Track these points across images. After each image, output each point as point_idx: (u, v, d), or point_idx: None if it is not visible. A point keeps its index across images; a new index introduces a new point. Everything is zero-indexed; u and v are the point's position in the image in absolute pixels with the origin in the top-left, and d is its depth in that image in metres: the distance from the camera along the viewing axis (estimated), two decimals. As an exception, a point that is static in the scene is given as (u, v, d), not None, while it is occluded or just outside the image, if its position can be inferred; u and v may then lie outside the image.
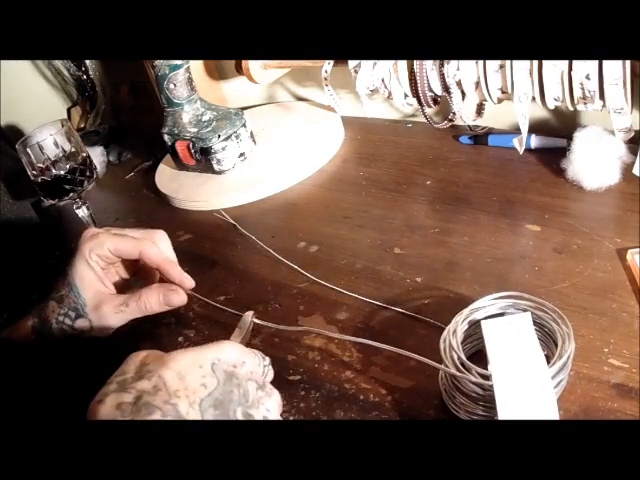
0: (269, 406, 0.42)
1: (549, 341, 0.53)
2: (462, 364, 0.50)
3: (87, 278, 0.60)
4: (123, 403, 0.37)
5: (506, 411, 0.46)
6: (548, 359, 0.52)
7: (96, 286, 0.60)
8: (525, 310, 0.55)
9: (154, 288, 0.60)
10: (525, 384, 0.47)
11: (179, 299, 0.60)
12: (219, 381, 0.40)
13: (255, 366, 0.44)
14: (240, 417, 0.40)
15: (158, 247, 0.60)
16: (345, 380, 0.59)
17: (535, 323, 0.54)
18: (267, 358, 0.46)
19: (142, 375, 0.39)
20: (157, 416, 0.37)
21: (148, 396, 0.38)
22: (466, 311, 0.55)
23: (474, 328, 0.56)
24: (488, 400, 0.48)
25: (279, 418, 0.43)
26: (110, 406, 0.37)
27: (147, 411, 0.37)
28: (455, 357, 0.51)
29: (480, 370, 0.49)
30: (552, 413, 0.46)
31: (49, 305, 0.61)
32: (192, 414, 0.38)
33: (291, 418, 0.56)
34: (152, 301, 0.59)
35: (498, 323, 0.53)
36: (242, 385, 0.41)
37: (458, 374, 0.49)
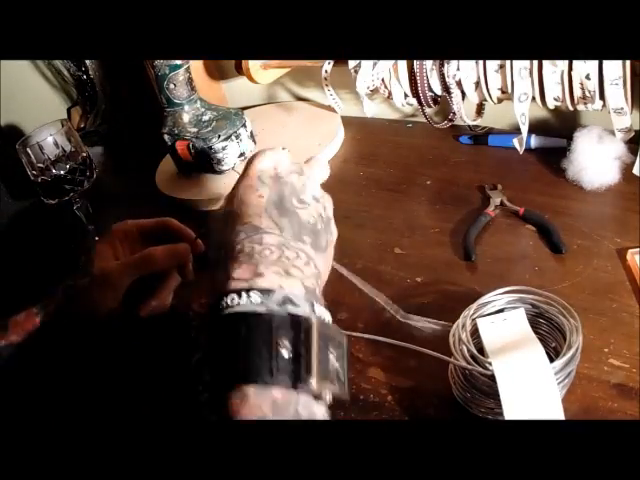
0: (310, 185, 0.48)
1: (557, 334, 0.53)
2: (472, 357, 0.51)
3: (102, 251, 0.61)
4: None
5: (510, 407, 0.47)
6: (557, 351, 0.52)
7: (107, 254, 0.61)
8: (532, 305, 0.55)
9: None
10: (527, 378, 0.48)
11: (184, 246, 0.62)
12: (269, 186, 0.46)
13: (288, 160, 0.49)
14: (298, 205, 0.45)
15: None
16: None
17: (543, 317, 0.54)
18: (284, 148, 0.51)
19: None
20: (242, 236, 0.42)
21: (230, 227, 0.44)
22: (474, 306, 0.55)
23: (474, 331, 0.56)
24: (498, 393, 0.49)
25: (321, 192, 0.48)
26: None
27: (234, 238, 0.42)
28: (465, 350, 0.51)
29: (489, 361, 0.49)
30: (556, 407, 0.47)
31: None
32: (265, 221, 0.43)
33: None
34: (157, 250, 0.60)
35: (494, 320, 0.53)
36: (287, 181, 0.47)
37: (469, 366, 0.50)
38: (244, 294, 0.38)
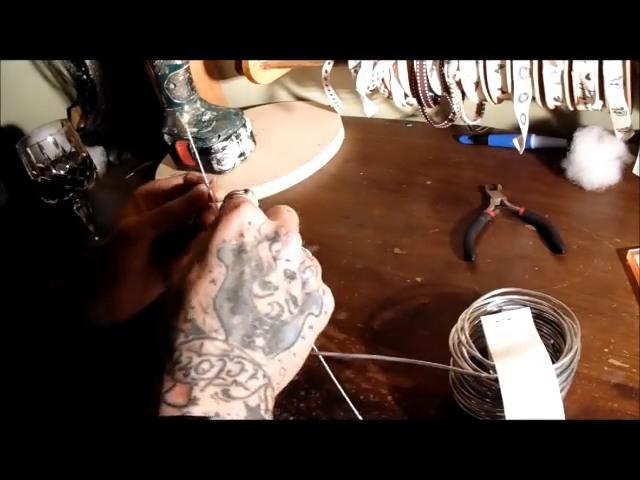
0: (287, 254, 0.39)
1: (556, 335, 0.53)
2: (473, 359, 0.50)
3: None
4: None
5: (512, 406, 0.47)
6: (555, 350, 0.52)
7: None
8: (526, 305, 0.55)
9: None
10: (529, 380, 0.47)
11: (198, 189, 0.55)
12: (227, 267, 0.38)
13: (259, 218, 0.40)
14: (259, 292, 0.38)
15: None
16: (345, 380, 0.59)
17: (541, 317, 0.54)
18: (250, 189, 0.44)
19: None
20: (181, 339, 0.36)
21: (173, 321, 0.37)
22: (471, 309, 0.55)
23: (480, 325, 0.56)
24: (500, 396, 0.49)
25: (301, 260, 0.40)
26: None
27: (173, 338, 0.36)
28: (465, 353, 0.51)
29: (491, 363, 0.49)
30: (557, 408, 0.47)
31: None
32: (209, 321, 0.36)
33: (291, 418, 0.56)
34: (174, 201, 0.55)
35: (498, 319, 0.53)
36: (253, 255, 0.38)
37: (473, 373, 0.50)
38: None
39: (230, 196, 0.43)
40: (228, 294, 0.37)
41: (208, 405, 0.35)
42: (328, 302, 0.41)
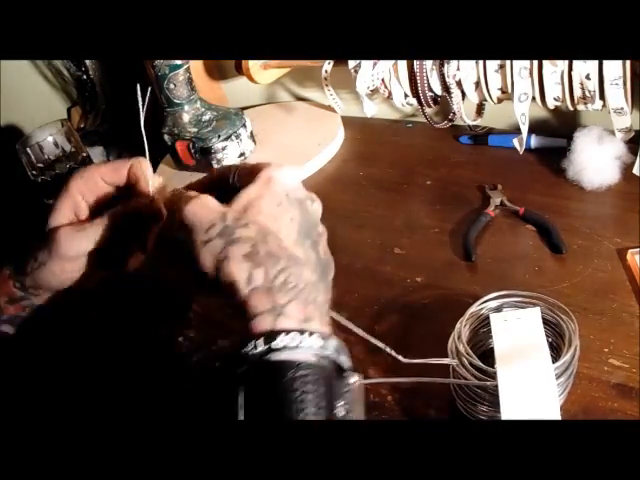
0: (319, 214, 0.44)
1: (555, 335, 0.53)
2: (472, 365, 0.50)
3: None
4: (249, 253, 0.38)
5: (509, 408, 0.46)
6: (555, 350, 0.52)
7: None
8: (520, 307, 0.55)
9: None
10: (529, 383, 0.47)
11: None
12: (298, 209, 0.42)
13: (297, 180, 0.44)
14: (316, 237, 0.42)
15: None
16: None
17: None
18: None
19: (236, 227, 0.39)
20: (282, 265, 0.38)
21: (264, 245, 0.39)
22: (467, 315, 0.55)
23: (478, 328, 0.56)
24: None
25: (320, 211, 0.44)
26: (239, 259, 0.38)
27: (273, 262, 0.38)
28: (465, 361, 0.51)
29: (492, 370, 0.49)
30: (554, 411, 0.46)
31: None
32: (301, 253, 0.40)
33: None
34: (116, 209, 0.50)
35: (507, 317, 0.53)
36: (307, 207, 0.43)
37: (477, 382, 0.49)
38: (306, 334, 0.36)
39: (237, 165, 0.47)
40: (305, 233, 0.41)
41: (317, 326, 0.38)
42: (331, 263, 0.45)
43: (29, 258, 0.50)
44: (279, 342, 0.36)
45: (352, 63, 0.86)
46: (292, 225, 0.41)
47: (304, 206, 0.42)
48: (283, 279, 0.38)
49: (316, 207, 0.44)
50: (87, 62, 1.21)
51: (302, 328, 0.37)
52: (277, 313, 0.37)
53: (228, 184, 0.47)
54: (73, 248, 0.48)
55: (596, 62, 0.69)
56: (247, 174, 0.44)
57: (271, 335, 0.36)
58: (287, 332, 0.36)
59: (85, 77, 1.24)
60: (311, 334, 0.36)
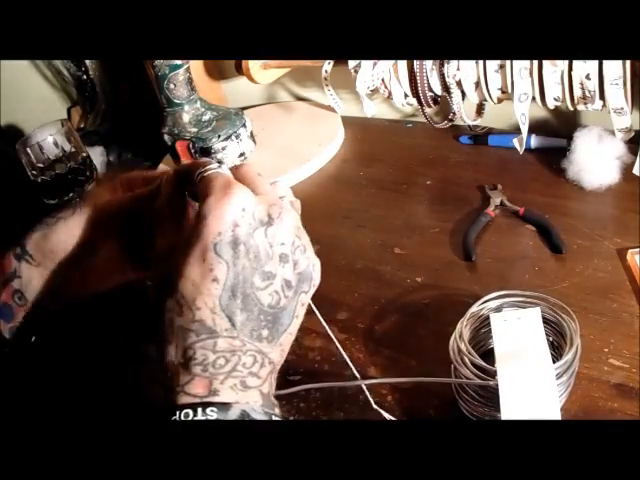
0: (281, 238, 0.38)
1: (555, 335, 0.53)
2: (474, 365, 0.50)
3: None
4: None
5: (509, 408, 0.46)
6: (555, 349, 0.52)
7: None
8: (521, 307, 0.55)
9: None
10: (529, 382, 0.47)
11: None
12: (227, 263, 0.36)
13: (251, 201, 0.38)
14: (260, 284, 0.37)
15: None
16: (345, 380, 0.59)
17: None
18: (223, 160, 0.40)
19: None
20: (192, 338, 0.36)
21: (178, 319, 0.37)
22: (468, 314, 0.55)
23: (479, 329, 0.56)
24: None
25: (292, 240, 0.38)
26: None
27: (183, 337, 0.37)
28: (467, 360, 0.51)
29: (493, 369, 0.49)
30: (554, 411, 0.46)
31: None
32: (218, 321, 0.36)
33: (291, 418, 0.56)
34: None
35: (507, 317, 0.53)
36: (250, 246, 0.37)
37: (476, 382, 0.49)
38: (199, 409, 0.35)
39: (202, 171, 0.40)
40: (232, 291, 0.37)
41: (228, 395, 0.36)
42: (317, 276, 0.40)
43: (46, 217, 0.50)
44: (176, 417, 0.35)
45: (352, 63, 0.86)
46: (212, 289, 0.36)
47: (243, 249, 0.37)
48: (190, 354, 0.37)
49: (271, 232, 0.38)
50: (87, 62, 1.21)
51: (203, 401, 0.36)
52: (179, 390, 0.37)
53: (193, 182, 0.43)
54: (102, 203, 0.47)
55: (596, 62, 0.69)
56: (204, 186, 0.39)
57: (171, 410, 0.36)
58: (181, 408, 0.35)
59: (85, 77, 1.24)
60: (207, 406, 0.35)
